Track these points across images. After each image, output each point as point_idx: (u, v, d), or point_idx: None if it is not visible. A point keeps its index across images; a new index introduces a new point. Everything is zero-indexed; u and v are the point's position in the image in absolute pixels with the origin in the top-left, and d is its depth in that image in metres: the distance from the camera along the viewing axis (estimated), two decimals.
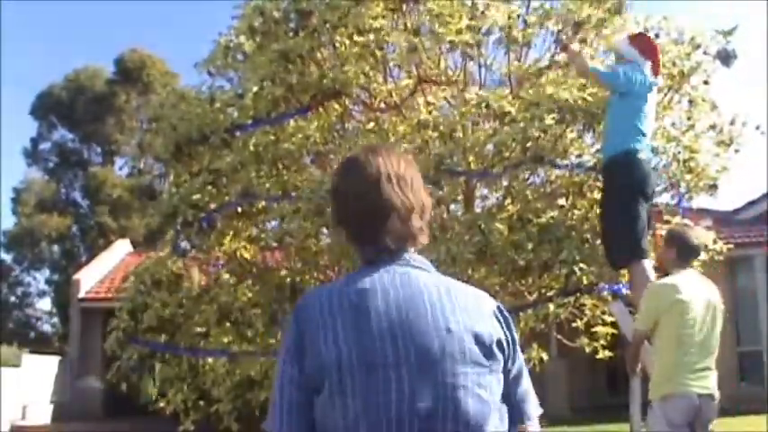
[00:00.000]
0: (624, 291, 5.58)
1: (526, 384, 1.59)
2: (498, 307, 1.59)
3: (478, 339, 1.49)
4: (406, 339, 1.43)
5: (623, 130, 5.09)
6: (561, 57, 6.27)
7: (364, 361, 1.40)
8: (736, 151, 6.44)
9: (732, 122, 6.43)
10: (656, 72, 5.38)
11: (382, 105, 6.73)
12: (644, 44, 5.39)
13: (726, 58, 6.15)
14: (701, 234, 5.17)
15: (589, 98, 5.75)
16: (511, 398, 1.54)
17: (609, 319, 6.53)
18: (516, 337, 1.60)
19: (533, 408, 1.59)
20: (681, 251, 4.40)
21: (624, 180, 5.05)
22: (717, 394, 4.22)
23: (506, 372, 1.54)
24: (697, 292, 4.27)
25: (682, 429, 4.12)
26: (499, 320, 1.57)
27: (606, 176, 5.32)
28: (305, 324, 1.46)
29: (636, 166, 5.03)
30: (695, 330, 4.18)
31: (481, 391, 1.45)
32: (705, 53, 6.29)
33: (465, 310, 1.51)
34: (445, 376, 1.42)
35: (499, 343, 1.53)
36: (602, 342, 6.89)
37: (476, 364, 1.46)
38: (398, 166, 1.60)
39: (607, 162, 5.22)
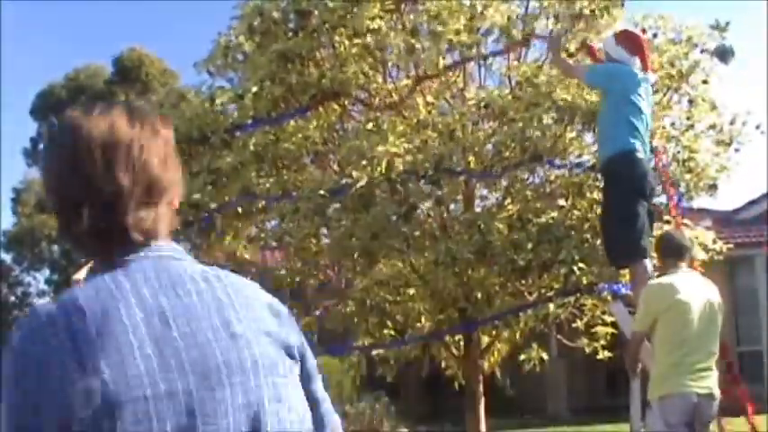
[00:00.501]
0: (624, 291, 5.58)
1: (320, 387, 1.29)
2: (278, 302, 1.26)
3: (271, 342, 1.18)
4: (178, 355, 1.08)
5: (619, 129, 5.08)
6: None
7: (129, 393, 1.04)
8: (737, 150, 6.45)
9: (732, 122, 6.43)
10: (645, 67, 5.36)
11: (382, 105, 6.73)
12: (629, 41, 5.37)
13: (723, 54, 6.13)
14: (686, 233, 5.20)
15: (587, 97, 5.75)
16: (309, 404, 1.24)
17: (609, 319, 6.54)
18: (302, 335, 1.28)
19: (333, 415, 1.31)
20: (666, 251, 4.42)
21: (622, 180, 5.05)
22: (717, 394, 4.22)
23: (302, 376, 1.24)
24: (695, 291, 4.27)
25: (680, 429, 4.12)
26: (286, 316, 1.25)
27: (605, 177, 5.32)
28: (39, 349, 1.07)
29: (634, 166, 5.03)
30: (694, 330, 4.17)
31: (280, 407, 1.14)
32: (703, 50, 6.28)
33: (247, 307, 1.18)
34: (236, 396, 1.10)
35: (292, 343, 1.22)
36: (602, 342, 6.89)
37: (271, 374, 1.15)
38: (117, 132, 1.17)
39: (605, 162, 5.22)
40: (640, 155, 5.06)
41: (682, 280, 4.29)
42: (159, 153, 1.20)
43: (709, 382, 4.19)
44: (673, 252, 4.42)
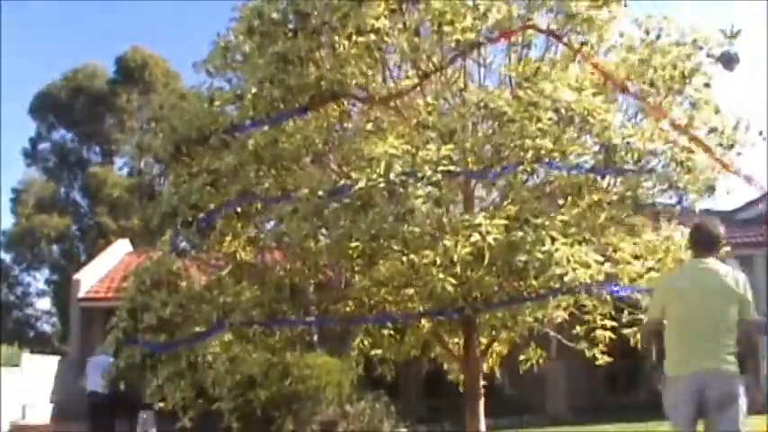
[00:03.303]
0: (622, 293, 5.60)
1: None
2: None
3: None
4: None
5: None
6: (559, 55, 6.29)
7: None
8: (739, 154, 6.43)
9: (735, 127, 6.39)
10: None
11: (381, 105, 6.73)
12: None
13: (728, 61, 6.10)
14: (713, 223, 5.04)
15: (584, 100, 5.76)
16: None
17: (609, 323, 6.56)
18: None
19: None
20: (695, 244, 4.48)
21: None
22: (727, 369, 4.19)
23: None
24: (696, 279, 4.32)
25: (682, 407, 4.18)
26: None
27: None
28: None
29: None
30: (688, 315, 4.26)
31: None
32: (708, 55, 6.27)
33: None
34: None
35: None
36: (601, 347, 6.90)
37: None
38: None
39: None
40: None
41: (689, 269, 4.46)
42: None
43: (709, 363, 4.17)
44: (699, 241, 4.46)
